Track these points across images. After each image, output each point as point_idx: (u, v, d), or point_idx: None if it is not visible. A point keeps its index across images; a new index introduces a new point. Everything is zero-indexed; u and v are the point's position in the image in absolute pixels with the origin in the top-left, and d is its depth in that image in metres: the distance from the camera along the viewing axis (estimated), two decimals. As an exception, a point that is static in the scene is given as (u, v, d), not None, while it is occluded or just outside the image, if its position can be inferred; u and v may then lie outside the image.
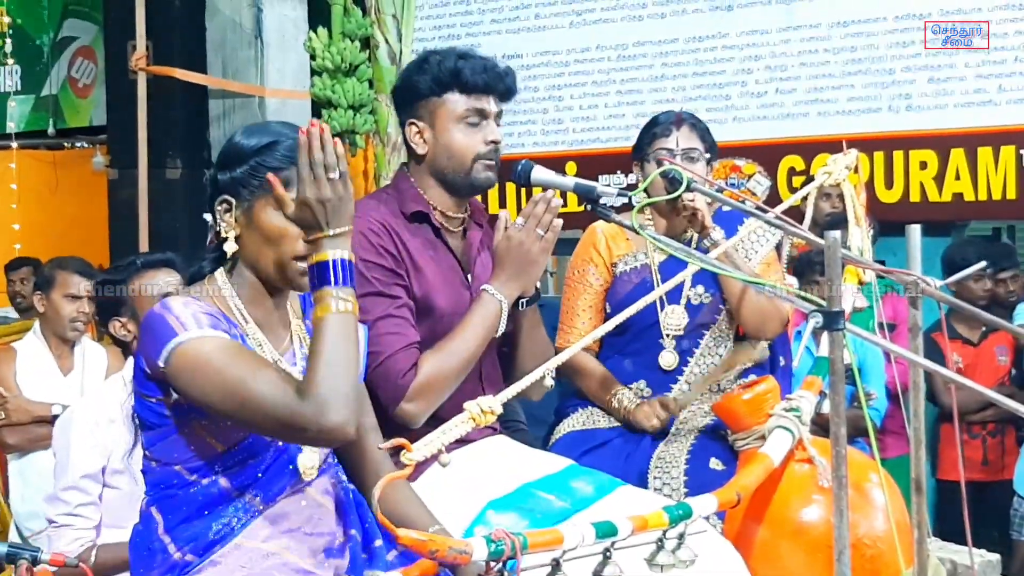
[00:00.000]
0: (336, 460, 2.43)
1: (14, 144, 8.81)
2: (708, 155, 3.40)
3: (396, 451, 2.01)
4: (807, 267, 4.60)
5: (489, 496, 2.65)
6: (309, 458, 2.29)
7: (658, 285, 3.28)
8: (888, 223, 4.59)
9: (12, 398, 4.51)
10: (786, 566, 2.71)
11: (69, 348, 4.68)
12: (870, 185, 4.91)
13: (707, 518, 2.45)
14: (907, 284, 2.64)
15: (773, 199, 4.96)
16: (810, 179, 3.39)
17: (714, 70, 5.55)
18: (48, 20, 9.65)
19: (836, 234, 2.21)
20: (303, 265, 2.21)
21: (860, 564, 2.50)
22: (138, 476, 2.56)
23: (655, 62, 5.69)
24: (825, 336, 2.42)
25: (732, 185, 5.20)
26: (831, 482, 2.22)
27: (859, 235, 3.13)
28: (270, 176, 2.20)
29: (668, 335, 3.37)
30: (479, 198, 3.08)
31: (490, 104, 2.86)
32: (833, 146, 3.77)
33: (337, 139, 2.15)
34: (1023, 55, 4.94)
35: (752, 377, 3.21)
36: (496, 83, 2.86)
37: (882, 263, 3.41)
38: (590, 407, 3.44)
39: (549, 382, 2.63)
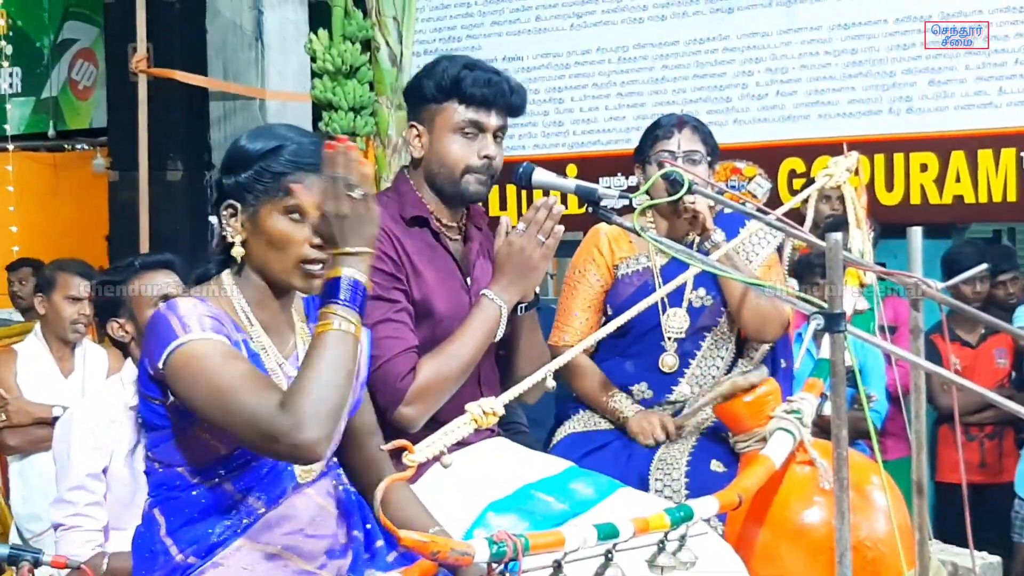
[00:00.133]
0: (337, 462, 2.43)
1: (10, 146, 8.80)
2: (710, 158, 3.40)
3: (398, 453, 2.01)
4: (808, 269, 4.60)
5: (489, 498, 2.64)
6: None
7: (660, 288, 3.28)
8: (889, 225, 4.60)
9: (13, 400, 4.50)
10: (787, 568, 2.71)
11: (70, 350, 4.67)
12: (871, 187, 4.90)
13: (708, 520, 2.46)
14: (908, 286, 2.64)
15: (774, 201, 4.96)
16: (811, 181, 3.38)
17: (714, 72, 5.55)
18: (48, 22, 9.63)
19: (837, 236, 2.21)
20: (309, 267, 2.22)
21: (861, 566, 2.50)
22: (140, 476, 2.55)
23: (656, 64, 5.68)
24: (826, 338, 2.42)
25: (733, 187, 5.19)
26: (832, 484, 2.22)
27: (860, 237, 3.13)
28: (293, 186, 2.19)
29: (670, 338, 3.38)
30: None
31: (490, 118, 2.83)
32: (834, 148, 3.76)
33: (365, 160, 2.14)
34: (1023, 57, 4.95)
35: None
36: (497, 98, 2.82)
37: (883, 265, 3.42)
38: (591, 409, 3.44)
39: (551, 383, 2.63)
